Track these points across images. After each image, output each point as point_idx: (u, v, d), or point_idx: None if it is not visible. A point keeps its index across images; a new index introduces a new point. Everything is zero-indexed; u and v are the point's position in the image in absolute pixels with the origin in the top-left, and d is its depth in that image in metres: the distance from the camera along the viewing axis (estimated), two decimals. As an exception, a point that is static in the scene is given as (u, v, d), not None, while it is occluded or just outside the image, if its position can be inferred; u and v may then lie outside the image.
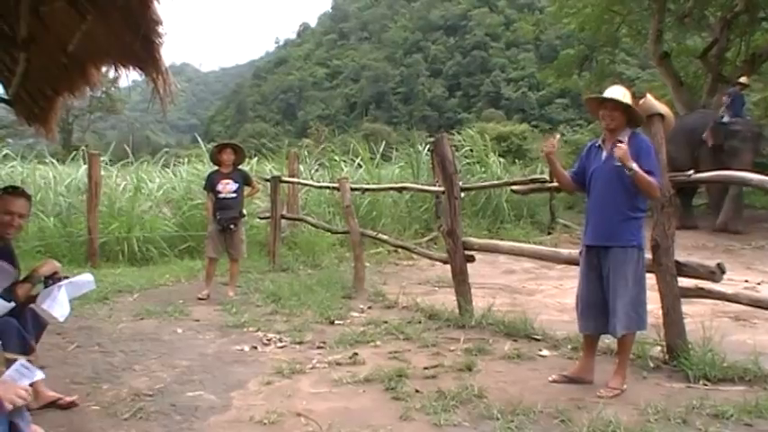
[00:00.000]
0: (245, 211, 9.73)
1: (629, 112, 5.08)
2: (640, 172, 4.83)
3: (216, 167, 9.53)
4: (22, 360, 2.78)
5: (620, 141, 4.97)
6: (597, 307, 5.13)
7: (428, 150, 16.30)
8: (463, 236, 7.64)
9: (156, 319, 7.80)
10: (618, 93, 5.11)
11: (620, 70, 25.86)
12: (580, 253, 5.41)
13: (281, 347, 6.48)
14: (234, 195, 9.26)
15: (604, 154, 5.14)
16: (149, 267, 11.87)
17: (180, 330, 7.29)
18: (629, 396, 4.81)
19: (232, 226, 9.22)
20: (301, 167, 16.02)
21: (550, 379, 5.25)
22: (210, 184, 9.35)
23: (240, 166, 9.67)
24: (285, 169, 14.52)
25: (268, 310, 8.12)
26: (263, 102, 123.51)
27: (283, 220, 12.51)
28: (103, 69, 6.94)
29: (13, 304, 3.92)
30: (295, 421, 4.47)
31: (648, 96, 5.42)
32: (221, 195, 9.22)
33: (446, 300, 7.80)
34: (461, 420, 4.36)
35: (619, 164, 4.88)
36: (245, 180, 9.56)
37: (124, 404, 4.83)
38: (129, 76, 6.69)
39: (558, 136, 5.54)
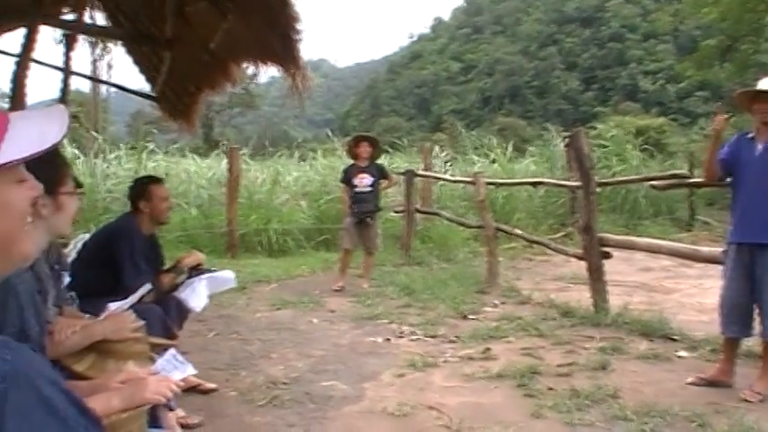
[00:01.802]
0: (381, 205, 9.81)
1: None
2: None
3: (352, 161, 9.66)
4: (173, 351, 2.88)
5: None
6: (744, 309, 4.90)
7: (564, 145, 16.06)
8: (599, 232, 7.50)
9: (292, 309, 7.99)
10: None
11: (763, 60, 24.67)
12: (724, 251, 5.16)
13: (414, 340, 6.53)
14: (370, 189, 9.35)
15: (759, 146, 4.87)
16: (286, 258, 12.13)
17: (315, 320, 7.45)
18: (774, 402, 4.62)
19: (368, 219, 9.33)
20: (435, 162, 16.06)
21: (687, 381, 5.09)
22: (347, 177, 9.47)
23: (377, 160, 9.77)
24: (420, 163, 14.59)
25: (401, 303, 8.18)
26: (397, 96, 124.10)
27: (417, 214, 12.57)
28: (243, 66, 7.15)
29: (150, 286, 4.07)
30: (427, 414, 4.50)
31: None
32: (357, 189, 9.32)
33: (581, 297, 7.67)
34: (594, 420, 4.30)
35: None
36: (381, 174, 9.63)
37: (260, 391, 4.98)
38: (267, 73, 6.86)
39: (724, 116, 5.19)
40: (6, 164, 1.06)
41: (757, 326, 4.88)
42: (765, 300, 4.75)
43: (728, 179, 5.14)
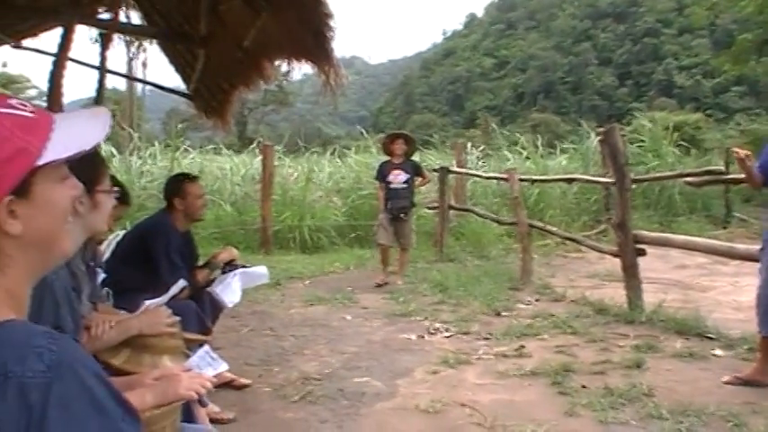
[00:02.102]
0: (415, 201, 9.83)
1: None
2: None
3: (388, 157, 9.68)
4: (207, 348, 2.90)
5: None
6: None
7: (598, 141, 15.95)
8: (634, 229, 7.44)
9: (325, 306, 8.02)
10: None
11: (802, 55, 24.35)
12: (761, 249, 5.08)
13: (448, 337, 6.52)
14: (404, 185, 9.39)
15: None
16: (319, 255, 12.16)
17: (348, 317, 7.47)
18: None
19: (402, 215, 9.35)
20: (468, 158, 16.03)
21: (723, 380, 5.04)
22: (382, 173, 9.51)
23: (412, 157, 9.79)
24: (454, 160, 14.57)
25: (435, 300, 8.18)
26: (430, 93, 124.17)
27: (451, 211, 12.56)
28: (277, 63, 7.18)
29: (185, 283, 4.12)
30: (460, 411, 4.50)
31: None
32: (392, 185, 9.36)
33: (615, 294, 7.63)
34: (629, 419, 4.27)
35: None
36: (416, 170, 9.67)
37: (293, 387, 5.02)
38: (301, 70, 6.89)
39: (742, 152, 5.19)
40: (51, 162, 1.08)
41: None
42: None
43: None
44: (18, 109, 1.09)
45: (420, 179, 9.86)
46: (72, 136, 1.12)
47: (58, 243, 1.15)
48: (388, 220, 9.39)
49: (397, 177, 9.35)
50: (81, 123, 1.19)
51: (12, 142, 1.04)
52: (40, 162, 1.06)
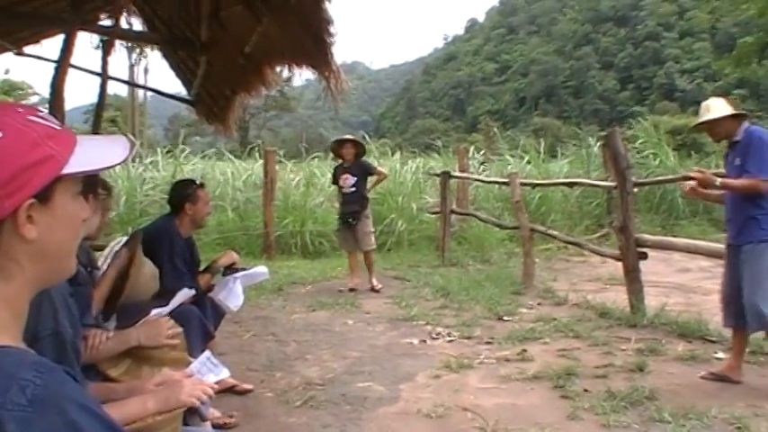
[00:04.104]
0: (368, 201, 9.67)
1: (726, 120, 5.14)
2: (726, 181, 5.03)
3: (341, 161, 9.61)
4: (208, 354, 2.90)
5: (736, 142, 5.07)
6: (736, 302, 5.06)
7: (600, 145, 15.95)
8: (636, 232, 7.43)
9: (327, 311, 8.01)
10: (706, 111, 5.24)
11: (802, 57, 24.35)
12: (726, 246, 5.38)
13: (450, 342, 6.52)
14: (353, 189, 9.27)
15: (729, 159, 5.22)
16: (321, 260, 12.16)
17: (351, 322, 7.47)
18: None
19: (350, 219, 9.26)
20: (470, 163, 16.04)
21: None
22: (334, 178, 9.51)
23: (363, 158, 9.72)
24: (456, 164, 14.57)
25: (437, 305, 8.17)
26: (432, 98, 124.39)
27: (453, 215, 12.56)
28: (278, 69, 7.21)
29: (194, 291, 4.14)
30: (462, 416, 4.50)
31: None
32: (343, 190, 9.32)
33: (617, 298, 7.62)
34: (631, 422, 4.27)
35: (738, 163, 5.00)
36: (365, 171, 9.50)
37: (296, 392, 5.02)
38: (302, 75, 6.94)
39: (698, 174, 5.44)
40: (73, 175, 1.11)
41: None
42: (744, 295, 4.94)
43: None
44: (48, 120, 1.12)
45: (373, 178, 9.76)
46: (94, 154, 1.15)
47: (66, 259, 1.16)
48: (343, 226, 9.39)
49: (346, 182, 9.26)
50: (102, 145, 1.23)
51: (42, 149, 1.07)
52: (65, 171, 1.08)
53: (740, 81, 56.77)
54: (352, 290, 9.14)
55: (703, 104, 5.38)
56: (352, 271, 9.54)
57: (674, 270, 10.44)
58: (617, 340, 6.31)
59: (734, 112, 5.15)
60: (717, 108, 5.18)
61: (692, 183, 5.33)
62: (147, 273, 3.77)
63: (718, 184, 4.98)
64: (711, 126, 5.22)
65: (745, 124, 5.10)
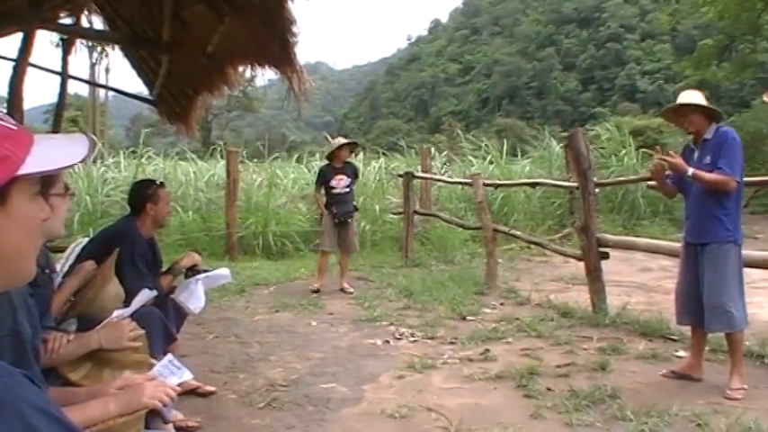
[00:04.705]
0: (357, 205, 9.88)
1: (707, 111, 5.18)
2: (699, 173, 4.91)
3: (328, 162, 9.66)
4: (171, 356, 2.87)
5: (706, 140, 5.08)
6: (694, 300, 5.12)
7: (562, 145, 16.07)
8: (598, 232, 7.50)
9: (291, 312, 7.98)
10: (690, 97, 5.28)
11: (761, 60, 24.70)
12: (683, 245, 5.39)
13: (413, 342, 6.53)
14: (347, 189, 9.37)
15: (696, 154, 5.17)
16: (285, 261, 12.12)
17: (314, 323, 7.45)
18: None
19: (349, 219, 9.32)
20: (434, 163, 16.07)
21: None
22: (324, 178, 9.46)
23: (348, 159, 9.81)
24: (419, 165, 14.59)
25: (401, 305, 8.18)
26: (395, 98, 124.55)
27: (416, 216, 12.57)
28: (241, 69, 7.17)
29: (155, 292, 4.10)
30: (426, 416, 4.51)
31: None
32: (336, 190, 9.31)
33: (580, 297, 7.69)
34: (594, 420, 4.30)
35: (708, 161, 5.00)
36: (355, 174, 9.69)
37: (259, 394, 5.01)
38: (265, 76, 6.89)
39: (658, 149, 5.43)
40: (29, 176, 1.09)
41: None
42: (707, 295, 4.99)
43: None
44: (3, 120, 1.10)
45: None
46: (51, 154, 1.13)
47: (24, 261, 1.13)
48: (333, 225, 9.34)
49: (341, 182, 9.29)
50: (60, 145, 1.20)
51: None
52: (21, 172, 1.06)
53: (700, 83, 57.14)
54: (315, 291, 9.11)
55: (682, 93, 5.46)
56: (319, 272, 9.53)
57: (635, 269, 10.54)
58: (579, 339, 6.36)
59: (709, 106, 5.21)
60: (694, 97, 5.24)
61: (663, 159, 5.21)
62: (110, 291, 3.72)
63: (690, 174, 4.91)
64: (684, 113, 5.21)
65: (717, 125, 5.13)
